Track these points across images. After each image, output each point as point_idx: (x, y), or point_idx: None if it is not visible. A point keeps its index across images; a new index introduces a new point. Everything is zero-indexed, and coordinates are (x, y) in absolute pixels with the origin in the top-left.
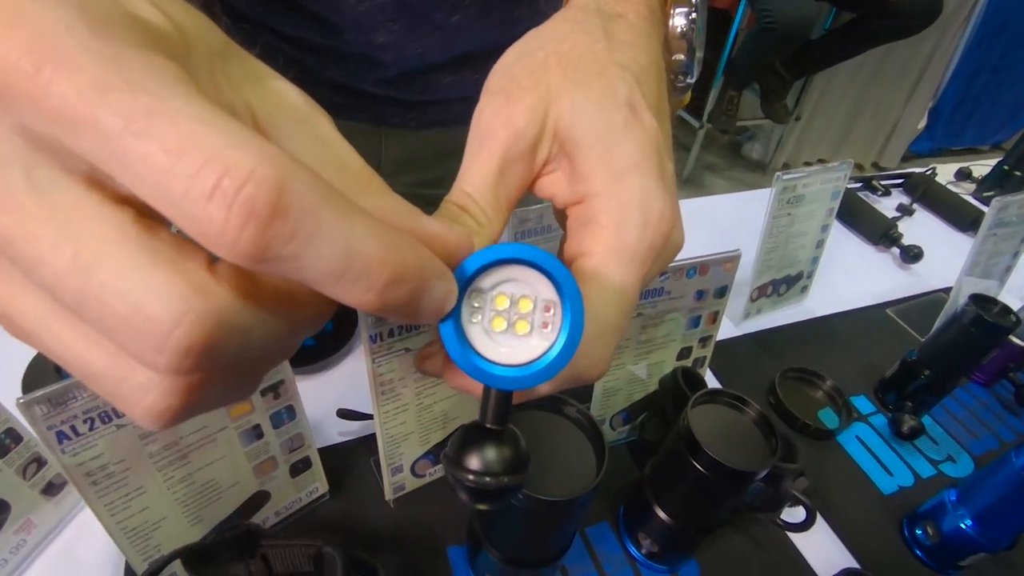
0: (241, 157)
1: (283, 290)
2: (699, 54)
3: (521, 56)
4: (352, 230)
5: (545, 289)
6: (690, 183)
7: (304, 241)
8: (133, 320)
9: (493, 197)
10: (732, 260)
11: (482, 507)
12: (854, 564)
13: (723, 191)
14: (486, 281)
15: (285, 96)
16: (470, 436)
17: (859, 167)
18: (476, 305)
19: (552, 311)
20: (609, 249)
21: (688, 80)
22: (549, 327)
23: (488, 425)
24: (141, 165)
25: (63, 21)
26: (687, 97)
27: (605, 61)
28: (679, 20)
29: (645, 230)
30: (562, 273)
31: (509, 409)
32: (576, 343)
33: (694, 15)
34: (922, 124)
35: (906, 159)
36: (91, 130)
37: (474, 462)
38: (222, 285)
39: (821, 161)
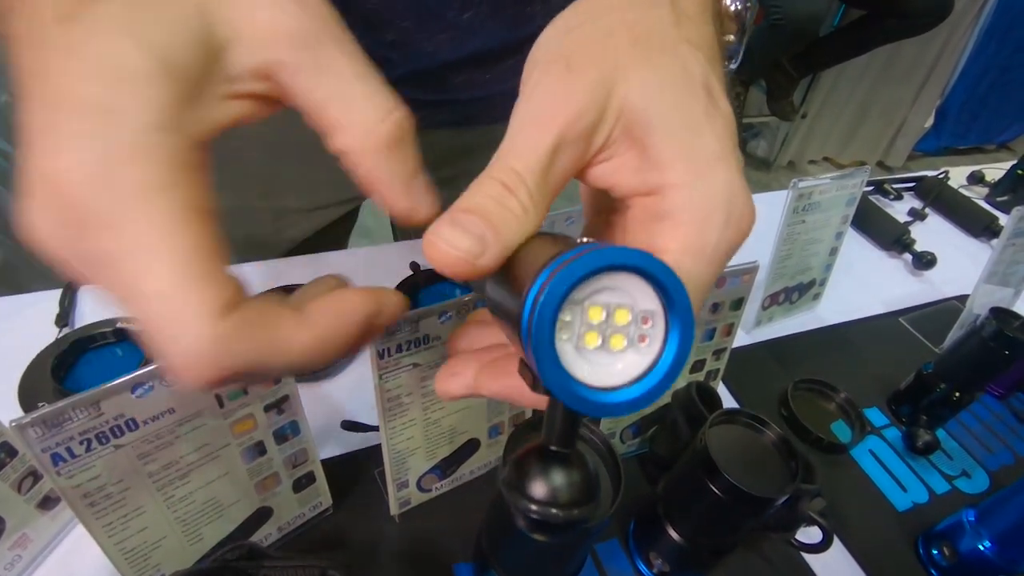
0: (188, 341)
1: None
2: (746, 37)
3: (570, 28)
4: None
5: (644, 298)
6: None
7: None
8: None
9: (543, 181)
10: (750, 272)
11: (543, 538)
12: None
13: None
14: (581, 292)
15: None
16: (535, 459)
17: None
18: (567, 319)
19: (650, 323)
20: (688, 248)
21: (731, 66)
22: (647, 341)
23: (554, 448)
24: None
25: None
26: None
27: (675, 37)
28: None
29: (727, 230)
30: (675, 284)
31: (578, 428)
32: (684, 360)
33: None
34: (929, 123)
35: (912, 158)
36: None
37: (539, 490)
38: (239, 330)
39: (826, 159)
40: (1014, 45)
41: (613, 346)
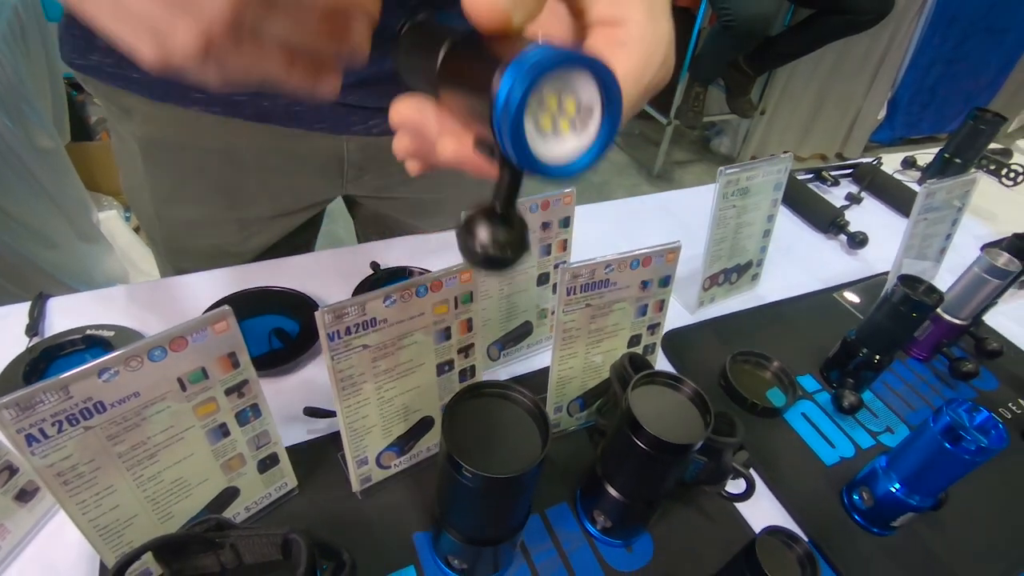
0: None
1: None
2: None
3: None
4: None
5: (588, 93)
6: (661, 179)
7: None
8: None
9: None
10: (673, 251)
11: (486, 272)
12: (794, 528)
13: (693, 187)
14: (544, 82)
15: None
16: (486, 214)
17: (823, 158)
18: (532, 104)
19: (587, 115)
20: (631, 73)
21: None
22: (581, 127)
23: (499, 210)
24: None
25: None
26: None
27: None
28: None
29: (660, 70)
30: (614, 83)
31: (518, 194)
32: (611, 142)
33: None
34: (882, 114)
35: (868, 149)
36: None
37: (484, 235)
38: None
39: (787, 153)
40: (957, 37)
41: (561, 129)
